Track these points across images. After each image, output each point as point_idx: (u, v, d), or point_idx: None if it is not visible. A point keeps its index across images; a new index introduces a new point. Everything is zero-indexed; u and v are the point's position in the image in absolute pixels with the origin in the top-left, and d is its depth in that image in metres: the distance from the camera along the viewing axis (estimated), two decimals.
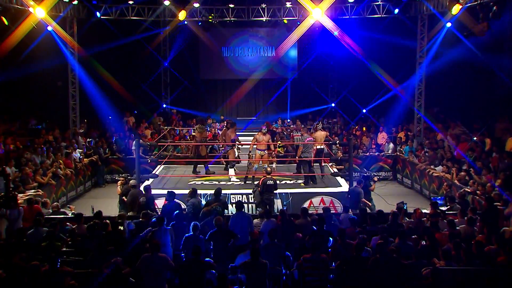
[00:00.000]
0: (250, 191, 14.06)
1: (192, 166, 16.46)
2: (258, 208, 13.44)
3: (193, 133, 17.29)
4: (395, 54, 22.03)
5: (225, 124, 16.92)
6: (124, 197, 13.62)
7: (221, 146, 17.84)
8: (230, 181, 15.38)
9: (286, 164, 17.48)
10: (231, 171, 15.57)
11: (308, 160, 15.05)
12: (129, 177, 15.06)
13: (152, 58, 25.47)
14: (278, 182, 14.73)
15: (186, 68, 26.36)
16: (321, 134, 15.49)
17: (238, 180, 15.44)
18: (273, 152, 16.31)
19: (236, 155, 15.83)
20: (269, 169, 13.82)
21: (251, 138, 16.12)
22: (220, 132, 18.45)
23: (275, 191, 13.61)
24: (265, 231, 10.00)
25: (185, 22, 22.80)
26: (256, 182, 14.18)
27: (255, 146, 15.50)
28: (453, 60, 18.90)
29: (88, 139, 20.41)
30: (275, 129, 19.94)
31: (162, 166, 17.32)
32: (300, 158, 15.08)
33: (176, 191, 12.61)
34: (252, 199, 13.95)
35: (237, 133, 16.30)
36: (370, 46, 22.66)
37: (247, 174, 15.51)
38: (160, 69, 26.46)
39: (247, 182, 15.24)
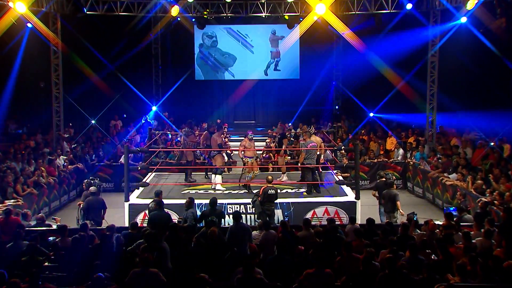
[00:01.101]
0: (248, 200, 14.04)
1: (185, 173, 16.52)
2: (258, 220, 13.42)
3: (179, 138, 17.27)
4: (405, 52, 22.05)
5: (206, 127, 16.85)
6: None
7: (202, 152, 17.75)
8: (214, 189, 15.42)
9: (288, 172, 17.47)
10: (217, 179, 15.56)
11: (312, 167, 15.03)
12: (94, 181, 14.95)
13: (143, 57, 25.49)
14: (279, 191, 14.78)
15: (179, 68, 26.38)
16: (316, 140, 15.52)
17: (224, 188, 15.43)
18: (259, 159, 16.29)
19: (226, 161, 15.78)
20: (270, 177, 13.80)
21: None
22: (180, 140, 18.11)
23: (275, 201, 13.62)
24: (265, 244, 9.95)
25: (178, 19, 22.83)
26: (255, 191, 14.17)
27: (242, 153, 15.55)
28: (468, 59, 18.92)
29: (73, 145, 20.40)
30: (274, 134, 19.97)
31: (153, 173, 17.29)
32: (303, 165, 15.05)
33: (168, 201, 12.61)
34: (252, 209, 13.92)
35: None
36: (377, 44, 22.69)
37: (240, 182, 15.53)
38: (151, 69, 26.49)
39: (247, 191, 15.23)
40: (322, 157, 15.73)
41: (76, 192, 18.86)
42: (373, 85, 23.87)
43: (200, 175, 17.43)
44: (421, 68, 21.02)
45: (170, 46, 26.62)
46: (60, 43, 20.08)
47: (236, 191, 15.22)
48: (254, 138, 15.97)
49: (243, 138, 16.23)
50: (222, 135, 16.55)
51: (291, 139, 18.80)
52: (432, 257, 9.65)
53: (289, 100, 26.37)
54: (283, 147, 15.73)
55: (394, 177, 16.50)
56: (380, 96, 23.08)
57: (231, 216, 13.14)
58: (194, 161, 16.98)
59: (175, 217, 13.25)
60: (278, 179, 16.10)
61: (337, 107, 26.92)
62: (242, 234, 10.74)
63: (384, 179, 14.72)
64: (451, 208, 14.11)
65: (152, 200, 12.92)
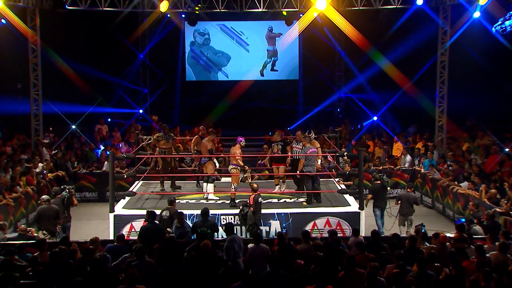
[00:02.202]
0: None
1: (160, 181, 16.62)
2: (248, 232, 13.43)
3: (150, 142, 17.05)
4: (412, 50, 22.10)
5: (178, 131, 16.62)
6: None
7: (191, 158, 17.69)
8: (207, 199, 15.38)
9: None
10: (209, 187, 15.52)
11: (312, 175, 15.00)
12: (68, 188, 14.92)
13: (129, 57, 25.49)
14: (276, 200, 14.75)
15: (168, 68, 26.38)
16: (315, 145, 15.55)
17: (217, 198, 15.40)
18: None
19: (217, 168, 15.70)
20: (255, 185, 13.74)
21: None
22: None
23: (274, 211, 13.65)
24: (251, 259, 10.08)
25: (168, 15, 22.84)
26: (238, 201, 14.16)
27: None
28: (481, 57, 18.95)
29: (53, 151, 20.33)
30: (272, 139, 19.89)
31: (141, 182, 17.25)
32: (302, 172, 15.03)
33: (158, 211, 12.58)
34: (239, 221, 13.85)
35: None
36: (382, 42, 22.75)
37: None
38: (137, 67, 26.48)
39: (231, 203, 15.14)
40: (319, 163, 15.68)
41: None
42: (377, 87, 23.90)
43: (191, 184, 17.40)
44: (430, 68, 21.07)
45: (158, 44, 26.57)
46: (39, 41, 20.04)
47: (230, 201, 15.18)
48: (248, 143, 15.85)
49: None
50: (215, 140, 16.45)
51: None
52: (445, 271, 9.61)
53: (288, 103, 26.38)
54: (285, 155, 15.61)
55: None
56: (385, 98, 23.14)
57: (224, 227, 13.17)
58: (175, 167, 16.92)
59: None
60: (278, 188, 16.00)
61: (338, 109, 26.95)
62: (238, 246, 10.75)
63: (379, 181, 15.31)
64: (463, 219, 14.12)
65: (165, 208, 13.05)
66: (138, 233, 12.33)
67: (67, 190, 14.53)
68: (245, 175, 14.86)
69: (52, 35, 20.71)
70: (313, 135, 15.95)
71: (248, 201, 13.52)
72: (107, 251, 10.75)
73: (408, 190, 15.45)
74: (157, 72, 26.85)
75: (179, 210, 12.76)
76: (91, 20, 22.07)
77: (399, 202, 15.30)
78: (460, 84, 21.06)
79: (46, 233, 13.23)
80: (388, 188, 15.80)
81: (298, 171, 15.14)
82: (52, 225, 13.52)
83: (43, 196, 13.99)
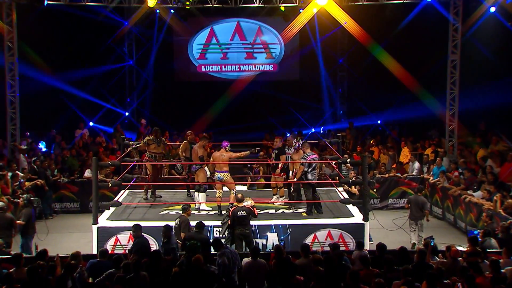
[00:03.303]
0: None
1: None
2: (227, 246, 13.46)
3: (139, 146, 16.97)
4: (420, 49, 22.15)
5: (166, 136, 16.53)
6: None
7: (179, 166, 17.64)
8: (198, 209, 15.34)
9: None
10: (201, 197, 15.48)
11: (312, 184, 14.98)
12: (32, 198, 14.94)
13: (114, 55, 25.48)
14: (274, 211, 14.70)
15: (156, 68, 26.37)
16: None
17: (210, 208, 15.37)
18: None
19: (209, 176, 15.67)
20: (240, 195, 13.72)
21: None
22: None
23: (255, 223, 13.70)
24: (248, 275, 10.19)
25: (158, 11, 22.85)
26: (224, 212, 14.16)
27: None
28: (495, 56, 18.98)
29: (32, 158, 20.27)
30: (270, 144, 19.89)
31: (127, 191, 17.21)
32: (302, 181, 15.00)
33: (144, 224, 12.56)
34: (220, 233, 13.89)
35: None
36: (388, 39, 22.81)
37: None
38: (124, 69, 26.48)
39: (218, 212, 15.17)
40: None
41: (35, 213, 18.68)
42: (382, 88, 23.94)
43: (182, 193, 17.37)
44: (440, 67, 21.11)
45: (146, 42, 26.56)
46: (15, 38, 19.99)
47: (224, 211, 15.13)
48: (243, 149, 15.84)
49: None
50: (207, 146, 16.41)
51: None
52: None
53: (287, 104, 26.39)
54: (280, 165, 15.57)
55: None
56: (391, 100, 23.20)
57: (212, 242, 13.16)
58: (161, 174, 16.88)
59: (152, 243, 13.20)
60: (275, 197, 15.98)
61: (341, 112, 26.97)
62: (231, 262, 10.73)
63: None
64: (476, 232, 14.09)
65: (178, 216, 13.20)
66: (128, 248, 12.41)
67: (33, 199, 14.62)
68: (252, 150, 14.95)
69: (30, 32, 20.68)
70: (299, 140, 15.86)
71: (228, 213, 13.62)
72: (90, 267, 10.72)
73: (419, 194, 16.28)
74: (145, 72, 26.80)
75: (167, 223, 12.70)
76: (73, 17, 22.02)
77: (409, 205, 16.14)
78: (473, 85, 21.09)
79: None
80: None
81: (295, 179, 15.11)
82: (7, 236, 13.50)
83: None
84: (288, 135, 15.87)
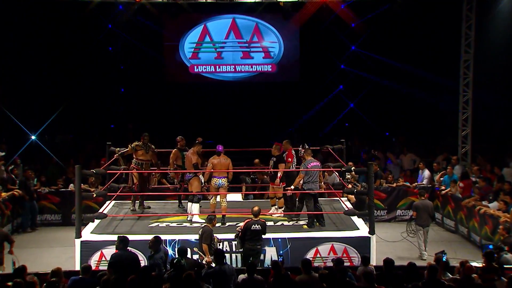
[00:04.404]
0: (233, 235, 13.98)
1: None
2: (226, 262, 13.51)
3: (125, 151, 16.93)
4: (431, 48, 22.22)
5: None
6: None
7: (171, 174, 17.62)
8: (190, 221, 15.34)
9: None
10: (194, 208, 15.46)
11: (314, 194, 14.97)
12: None
13: (98, 54, 25.49)
14: (273, 223, 14.75)
15: (145, 68, 26.39)
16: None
17: (203, 220, 15.32)
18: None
19: (202, 186, 15.66)
20: (256, 208, 13.73)
21: None
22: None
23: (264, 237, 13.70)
24: None
25: (146, 4, 22.89)
26: (239, 225, 14.15)
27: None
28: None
29: (10, 167, 20.22)
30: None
31: (113, 202, 17.17)
32: (303, 190, 15.00)
33: (132, 237, 12.54)
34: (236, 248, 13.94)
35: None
36: (395, 38, 22.90)
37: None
38: (109, 69, 26.49)
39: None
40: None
41: (12, 227, 18.66)
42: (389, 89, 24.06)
43: (173, 203, 17.36)
44: (452, 68, 21.16)
45: (134, 40, 26.59)
46: None
47: (218, 224, 15.12)
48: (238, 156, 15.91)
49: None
50: (200, 152, 16.33)
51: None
52: None
53: (286, 108, 26.44)
54: (279, 174, 15.54)
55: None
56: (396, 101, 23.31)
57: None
58: (148, 183, 16.86)
59: (141, 258, 13.18)
60: (273, 208, 15.97)
61: (346, 124, 27.08)
62: (226, 278, 10.72)
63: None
64: (491, 246, 14.08)
65: (202, 226, 13.30)
66: (108, 262, 12.33)
67: None
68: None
69: (5, 28, 20.72)
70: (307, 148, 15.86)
71: (241, 226, 13.62)
72: (71, 285, 10.70)
73: (423, 198, 16.57)
74: (133, 73, 26.80)
75: (157, 235, 12.70)
76: (53, 11, 22.08)
77: (416, 212, 16.28)
78: (488, 87, 21.14)
79: None
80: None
81: (292, 187, 15.12)
82: None
83: None
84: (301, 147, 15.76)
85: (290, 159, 15.44)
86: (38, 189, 19.68)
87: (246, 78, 26.56)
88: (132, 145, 16.25)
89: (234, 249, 14.08)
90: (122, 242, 12.09)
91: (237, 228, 13.90)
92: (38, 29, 22.80)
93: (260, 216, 13.71)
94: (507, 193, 16.65)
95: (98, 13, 22.99)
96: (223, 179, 15.06)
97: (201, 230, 13.21)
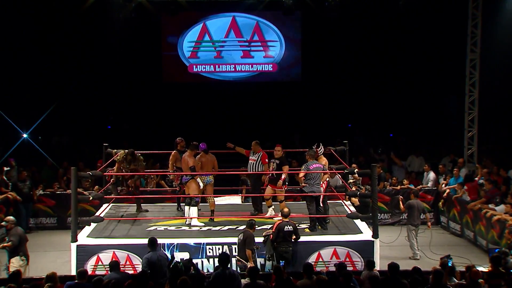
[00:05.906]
0: (234, 239, 13.95)
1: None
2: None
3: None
4: (435, 47, 22.23)
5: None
6: None
7: (171, 177, 17.63)
8: (189, 225, 15.32)
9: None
10: (192, 211, 15.44)
11: (315, 196, 14.96)
12: None
13: (93, 53, 25.48)
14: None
15: (142, 68, 26.39)
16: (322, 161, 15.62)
17: (202, 224, 15.34)
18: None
19: (201, 188, 15.64)
20: (286, 209, 13.88)
21: None
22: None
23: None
24: None
25: (144, 2, 22.93)
26: (268, 227, 14.19)
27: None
28: None
29: (5, 168, 20.21)
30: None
31: (110, 205, 17.17)
32: (304, 193, 14.99)
33: (129, 241, 12.56)
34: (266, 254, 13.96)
35: None
36: (399, 36, 22.91)
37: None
38: (104, 69, 26.46)
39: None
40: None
41: (5, 230, 18.60)
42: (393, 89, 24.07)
43: (171, 207, 17.35)
44: (458, 67, 21.16)
45: (130, 38, 26.55)
46: None
47: (218, 228, 15.12)
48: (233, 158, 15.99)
49: None
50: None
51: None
52: None
53: (287, 109, 26.45)
54: (283, 176, 15.52)
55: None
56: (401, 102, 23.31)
57: (210, 260, 13.15)
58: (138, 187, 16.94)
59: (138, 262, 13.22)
60: (271, 210, 15.97)
61: (349, 125, 27.08)
62: (228, 282, 10.71)
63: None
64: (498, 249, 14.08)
65: (242, 232, 13.33)
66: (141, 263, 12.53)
67: None
68: None
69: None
70: (322, 149, 15.88)
71: (272, 227, 13.75)
72: None
73: (418, 198, 17.16)
74: (129, 73, 26.78)
75: (153, 237, 12.71)
76: (52, 8, 22.11)
77: (406, 209, 16.80)
78: (494, 87, 21.14)
79: None
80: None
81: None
82: None
83: None
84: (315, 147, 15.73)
85: (267, 160, 15.79)
86: (31, 192, 19.55)
87: (247, 78, 26.51)
88: (118, 158, 16.17)
89: (234, 253, 14.06)
90: (151, 244, 12.21)
91: (264, 233, 13.95)
92: (33, 27, 22.79)
93: (257, 220, 13.78)
94: None
95: (94, 11, 22.92)
96: (210, 176, 15.36)
97: (241, 235, 13.24)
